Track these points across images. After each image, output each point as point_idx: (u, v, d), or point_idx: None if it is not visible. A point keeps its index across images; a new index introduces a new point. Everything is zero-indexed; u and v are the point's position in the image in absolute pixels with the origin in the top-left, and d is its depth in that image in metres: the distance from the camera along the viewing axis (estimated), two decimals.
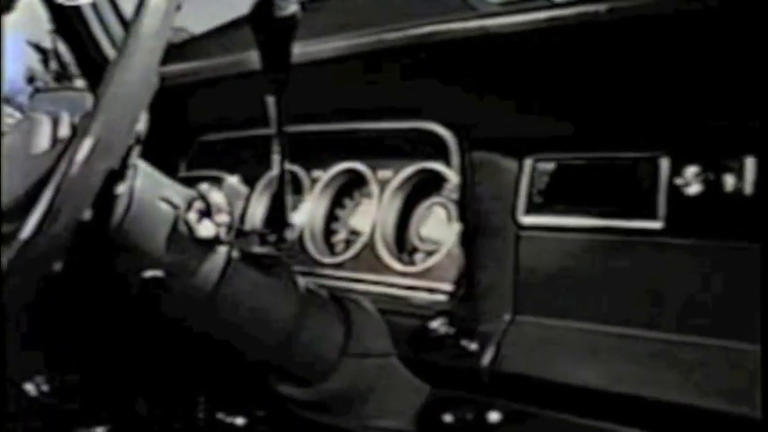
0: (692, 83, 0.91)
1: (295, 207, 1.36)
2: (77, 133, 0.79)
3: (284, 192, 0.98)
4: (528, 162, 1.04)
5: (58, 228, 0.76)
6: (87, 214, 0.82)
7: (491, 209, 1.05)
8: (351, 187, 1.28)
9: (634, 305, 0.95)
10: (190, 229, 0.95)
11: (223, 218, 0.96)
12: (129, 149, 0.83)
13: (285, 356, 1.04)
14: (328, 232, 1.29)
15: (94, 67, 1.37)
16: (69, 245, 0.79)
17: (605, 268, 0.97)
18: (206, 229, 0.95)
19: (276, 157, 0.96)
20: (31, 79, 3.35)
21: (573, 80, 0.99)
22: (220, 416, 1.32)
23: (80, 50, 1.36)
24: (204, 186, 0.95)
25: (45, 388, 1.35)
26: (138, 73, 0.80)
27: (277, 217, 0.98)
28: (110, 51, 1.35)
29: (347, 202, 1.29)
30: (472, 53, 1.05)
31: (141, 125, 0.83)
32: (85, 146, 0.77)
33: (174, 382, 1.35)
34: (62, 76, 3.23)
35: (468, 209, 1.07)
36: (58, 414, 1.37)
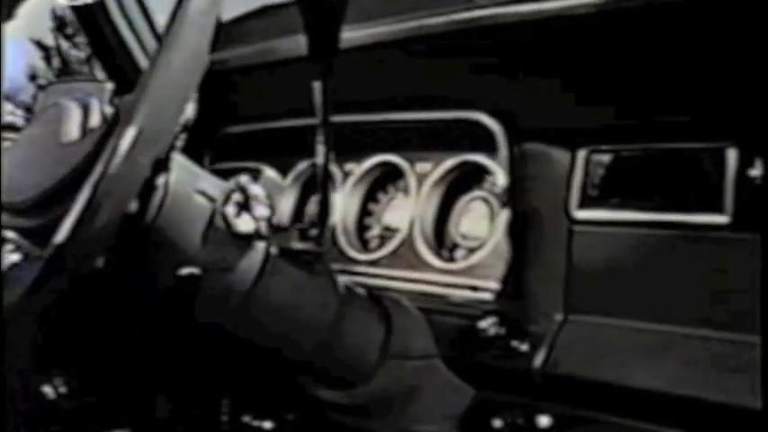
0: (762, 66, 0.86)
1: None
2: (119, 121, 0.72)
3: (328, 184, 0.92)
4: (582, 153, 0.99)
5: (98, 226, 0.70)
6: (132, 208, 0.77)
7: (542, 203, 1.00)
8: (384, 181, 1.23)
9: (696, 304, 0.90)
10: (227, 223, 0.89)
11: (262, 211, 0.91)
12: (175, 138, 0.77)
13: (324, 358, 0.99)
14: (361, 228, 1.24)
15: (115, 61, 1.32)
16: (112, 242, 0.73)
17: (665, 265, 0.93)
18: (245, 224, 0.90)
19: (321, 148, 0.91)
20: (32, 77, 3.32)
21: (632, 65, 0.94)
22: (246, 419, 1.27)
23: (101, 46, 1.30)
24: (243, 178, 0.90)
25: (63, 390, 1.30)
26: (186, 54, 0.73)
27: (320, 211, 0.93)
28: (135, 49, 1.30)
29: (381, 196, 1.24)
30: (522, 38, 1.00)
31: (189, 111, 0.77)
32: (128, 136, 0.71)
33: (197, 383, 1.30)
34: (64, 73, 3.19)
35: (516, 203, 1.02)
36: (75, 416, 1.32)
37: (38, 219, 0.85)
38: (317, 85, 0.88)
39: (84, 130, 0.88)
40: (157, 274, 0.87)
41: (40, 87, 2.77)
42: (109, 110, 0.91)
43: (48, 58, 3.27)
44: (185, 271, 0.87)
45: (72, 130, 0.87)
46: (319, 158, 0.91)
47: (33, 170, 0.88)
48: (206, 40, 0.75)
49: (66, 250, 0.69)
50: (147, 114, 0.72)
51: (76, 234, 0.69)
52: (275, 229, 0.93)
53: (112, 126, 0.77)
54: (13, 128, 1.54)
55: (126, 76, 1.33)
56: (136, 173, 0.73)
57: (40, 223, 0.85)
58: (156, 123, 0.73)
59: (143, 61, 1.32)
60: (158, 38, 1.36)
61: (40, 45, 3.24)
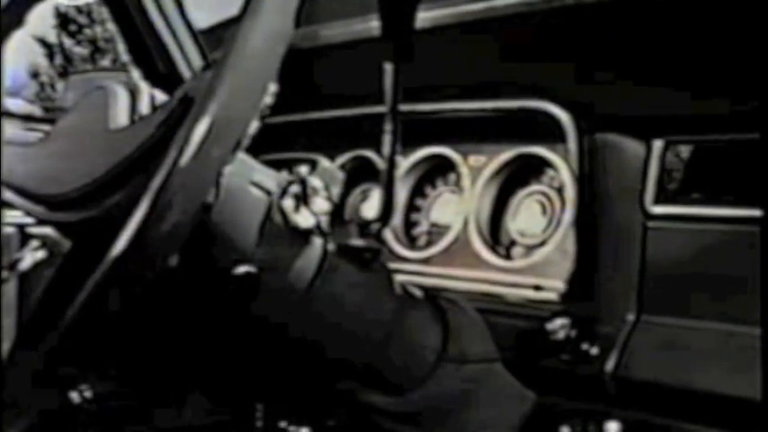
0: None
1: (366, 197, 1.24)
2: (190, 108, 0.65)
3: (393, 178, 0.86)
4: (658, 144, 0.93)
5: (169, 225, 0.63)
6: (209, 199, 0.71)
7: (613, 197, 0.95)
8: (432, 175, 1.17)
9: None
10: (285, 218, 0.83)
11: (322, 205, 0.85)
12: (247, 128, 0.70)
13: (379, 361, 0.93)
14: (408, 224, 1.18)
15: (143, 48, 1.26)
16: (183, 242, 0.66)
17: (747, 263, 0.87)
18: (304, 219, 0.83)
19: (388, 138, 0.84)
20: (35, 74, 3.30)
21: (710, 47, 0.88)
22: (282, 424, 1.21)
23: (129, 32, 1.24)
24: (303, 169, 0.84)
25: (88, 394, 1.24)
26: (268, 31, 0.66)
27: (384, 205, 0.87)
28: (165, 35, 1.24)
29: (428, 190, 1.18)
30: (593, 20, 0.94)
31: (268, 97, 0.70)
32: (202, 125, 0.63)
33: (231, 386, 1.23)
34: (67, 70, 3.18)
35: (584, 197, 0.96)
36: (100, 421, 1.26)
37: (84, 212, 0.78)
38: (388, 68, 0.82)
39: (133, 115, 0.82)
40: (212, 273, 0.81)
41: (63, 77, 2.77)
42: (158, 94, 0.85)
43: (51, 56, 3.23)
44: (242, 269, 0.81)
45: (120, 115, 0.81)
46: (386, 149, 0.84)
47: (78, 159, 0.81)
48: (290, 14, 0.68)
49: (133, 251, 0.62)
50: (224, 101, 0.64)
51: (144, 234, 0.62)
52: (333, 225, 0.87)
53: (179, 112, 0.70)
54: (31, 118, 1.47)
55: (154, 63, 1.27)
56: (209, 167, 0.66)
57: (87, 216, 0.78)
58: (232, 111, 0.65)
59: (173, 47, 1.25)
60: (188, 22, 1.30)
61: (43, 42, 3.20)
